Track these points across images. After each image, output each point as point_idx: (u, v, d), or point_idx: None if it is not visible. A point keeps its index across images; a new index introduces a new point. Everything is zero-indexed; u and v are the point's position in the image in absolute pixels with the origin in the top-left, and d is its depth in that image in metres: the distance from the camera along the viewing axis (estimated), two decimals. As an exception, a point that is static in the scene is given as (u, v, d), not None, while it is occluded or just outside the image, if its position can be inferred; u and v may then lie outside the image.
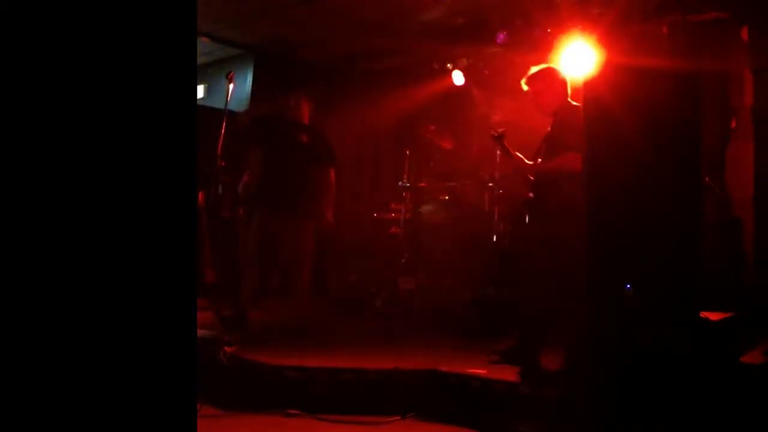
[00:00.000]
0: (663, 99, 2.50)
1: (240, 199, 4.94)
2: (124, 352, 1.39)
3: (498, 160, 6.04)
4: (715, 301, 2.56)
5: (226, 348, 3.60)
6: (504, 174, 6.05)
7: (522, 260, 4.05)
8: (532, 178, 3.92)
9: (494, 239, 5.85)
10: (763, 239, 3.09)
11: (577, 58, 4.89)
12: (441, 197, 6.41)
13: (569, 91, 3.91)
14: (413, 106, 7.02)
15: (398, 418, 3.16)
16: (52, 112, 1.38)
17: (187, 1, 1.52)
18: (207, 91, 8.05)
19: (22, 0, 1.37)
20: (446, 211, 6.29)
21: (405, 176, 6.56)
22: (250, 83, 7.66)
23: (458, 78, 6.91)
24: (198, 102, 6.71)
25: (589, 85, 2.73)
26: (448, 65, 7.00)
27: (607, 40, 2.68)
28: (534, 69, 3.99)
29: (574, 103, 3.74)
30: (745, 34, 3.29)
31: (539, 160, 3.87)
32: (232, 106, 4.97)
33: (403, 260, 6.24)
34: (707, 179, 2.52)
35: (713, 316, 2.51)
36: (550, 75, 3.92)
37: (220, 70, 7.33)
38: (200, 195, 5.54)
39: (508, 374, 3.22)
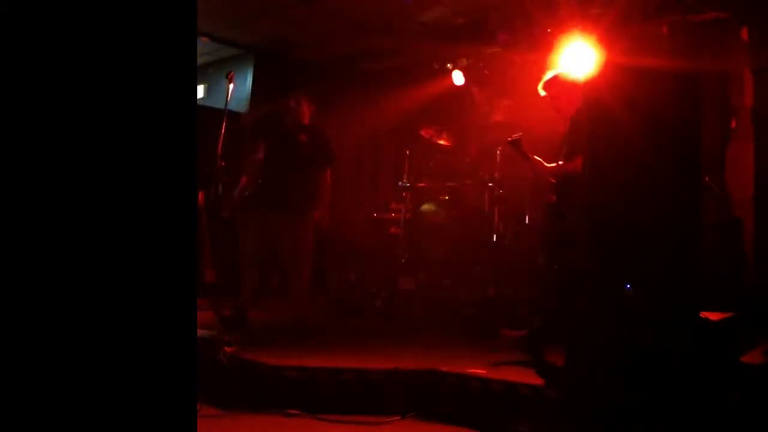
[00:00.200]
0: (663, 99, 2.50)
1: (236, 202, 4.95)
2: (124, 352, 1.39)
3: (498, 160, 6.04)
4: (715, 301, 2.56)
5: (226, 348, 3.60)
6: (504, 174, 6.05)
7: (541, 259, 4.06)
8: (553, 180, 3.91)
9: (494, 239, 5.85)
10: (763, 239, 3.09)
11: (577, 58, 4.89)
12: (441, 197, 6.41)
13: None
14: (413, 106, 7.02)
15: (398, 418, 3.16)
16: (53, 113, 1.38)
17: (187, 1, 1.52)
18: (207, 91, 8.05)
19: (22, 0, 1.37)
20: (446, 211, 6.29)
21: (405, 176, 6.56)
22: (250, 83, 7.66)
23: (458, 78, 6.92)
24: (198, 102, 6.72)
25: (589, 85, 2.74)
26: (448, 65, 7.00)
27: (607, 40, 2.68)
28: (548, 75, 4.01)
29: None
30: (745, 34, 3.29)
31: (560, 162, 3.85)
32: (232, 106, 4.97)
33: (403, 260, 6.24)
34: (707, 179, 2.52)
35: (713, 316, 2.51)
36: (563, 80, 3.94)
37: (220, 70, 7.33)
38: (200, 195, 5.55)
39: (508, 374, 3.22)
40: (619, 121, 2.55)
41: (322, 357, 3.65)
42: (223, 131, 4.48)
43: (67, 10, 1.40)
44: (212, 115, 4.77)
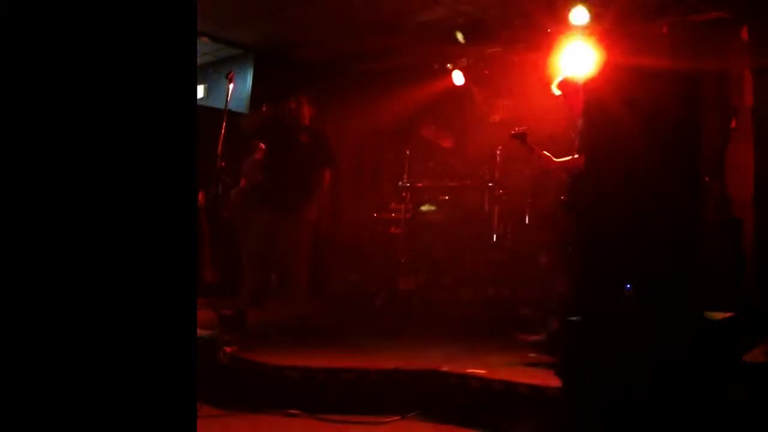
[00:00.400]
0: (663, 99, 2.50)
1: (235, 203, 4.95)
2: (124, 352, 1.39)
3: (498, 160, 6.05)
4: (715, 301, 2.56)
5: (226, 348, 3.60)
6: (504, 174, 6.06)
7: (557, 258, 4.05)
8: (564, 176, 3.90)
9: (494, 239, 5.85)
10: (763, 239, 3.09)
11: (577, 58, 4.89)
12: (441, 197, 6.41)
13: None
14: (413, 106, 7.02)
15: (398, 418, 3.16)
16: (52, 113, 1.38)
17: (187, 1, 1.52)
18: (207, 91, 8.05)
19: (22, 0, 1.37)
20: (446, 211, 6.29)
21: (405, 176, 6.56)
22: (250, 83, 7.66)
23: (458, 78, 6.92)
24: (198, 102, 6.72)
25: (589, 85, 2.74)
26: (448, 65, 7.00)
27: (607, 40, 2.68)
28: (561, 75, 4.04)
29: None
30: (745, 34, 3.29)
31: (575, 156, 3.83)
32: (232, 106, 4.97)
33: (403, 260, 6.24)
34: (707, 179, 2.52)
35: (713, 316, 2.51)
36: (573, 81, 3.95)
37: (220, 70, 7.33)
38: (200, 195, 5.56)
39: (508, 374, 3.22)
40: (619, 121, 2.55)
41: (322, 357, 3.65)
42: (223, 131, 4.49)
43: (67, 10, 1.40)
44: (212, 115, 4.77)
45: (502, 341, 4.33)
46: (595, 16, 5.56)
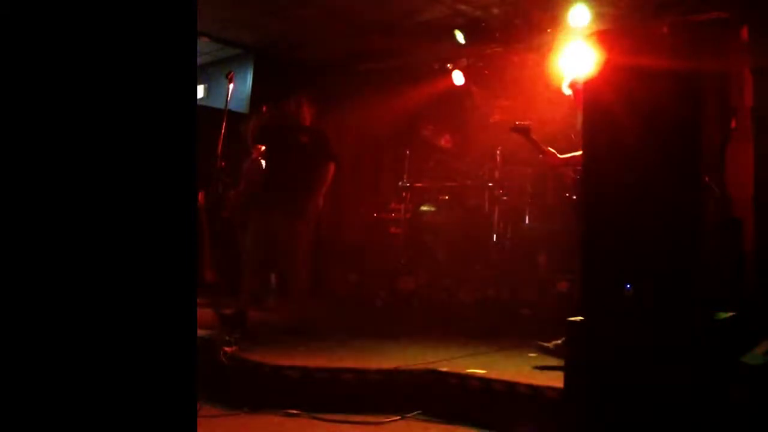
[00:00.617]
0: (663, 99, 2.49)
1: (235, 204, 4.95)
2: (124, 352, 1.39)
3: (498, 160, 6.05)
4: (715, 301, 2.55)
5: (226, 348, 3.60)
6: (504, 174, 6.06)
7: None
8: (571, 173, 3.89)
9: (494, 239, 5.85)
10: (763, 239, 3.09)
11: (577, 58, 4.89)
12: (441, 197, 6.42)
13: None
14: (413, 106, 7.03)
15: (398, 418, 3.16)
16: (52, 113, 1.38)
17: (187, 1, 1.52)
18: (207, 91, 8.06)
19: (22, 0, 1.37)
20: (446, 211, 6.30)
21: (405, 176, 6.57)
22: (250, 83, 7.67)
23: (458, 78, 6.92)
24: (198, 102, 6.73)
25: (589, 85, 2.73)
26: (448, 65, 7.00)
27: (607, 40, 2.67)
28: (571, 76, 4.02)
29: None
30: (745, 34, 3.28)
31: (581, 152, 3.82)
32: (232, 106, 4.97)
33: (403, 260, 6.24)
34: (707, 179, 2.52)
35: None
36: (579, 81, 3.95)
37: (220, 70, 7.34)
38: (200, 195, 5.57)
39: (508, 374, 3.23)
40: (619, 121, 2.55)
41: (322, 357, 3.65)
42: (223, 131, 4.49)
43: (67, 10, 1.40)
44: (212, 115, 4.77)
45: (503, 342, 4.33)
46: (595, 16, 5.57)
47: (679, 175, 2.46)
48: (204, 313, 4.10)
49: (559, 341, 3.66)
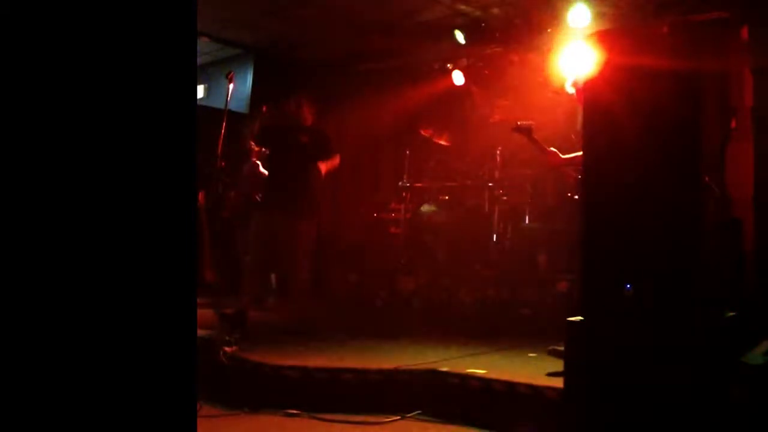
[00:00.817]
0: (663, 99, 2.49)
1: (231, 204, 4.96)
2: (124, 351, 1.39)
3: (498, 160, 6.04)
4: (715, 301, 2.55)
5: (226, 348, 3.60)
6: (504, 174, 6.05)
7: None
8: (574, 174, 3.87)
9: (494, 239, 5.85)
10: (763, 239, 3.09)
11: (577, 58, 4.89)
12: (441, 197, 6.42)
13: None
14: (413, 106, 7.03)
15: (398, 418, 3.16)
16: (52, 112, 1.38)
17: (187, 1, 1.52)
18: (207, 91, 8.06)
19: (22, 0, 1.37)
20: (446, 211, 6.29)
21: (405, 176, 6.56)
22: (250, 83, 7.67)
23: (458, 78, 6.92)
24: (198, 102, 6.73)
25: (589, 85, 2.73)
26: (448, 65, 7.00)
27: (607, 40, 2.67)
28: (575, 75, 4.02)
29: None
30: (745, 34, 3.28)
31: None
32: (232, 106, 4.97)
33: (403, 260, 6.24)
34: (707, 179, 2.51)
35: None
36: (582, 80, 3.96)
37: (220, 70, 7.34)
38: (200, 195, 5.57)
39: (508, 374, 3.23)
40: (619, 121, 2.55)
41: (322, 357, 3.65)
42: (223, 131, 4.49)
43: (67, 10, 1.40)
44: (212, 115, 4.78)
45: (503, 342, 4.33)
46: (595, 16, 5.57)
47: (679, 175, 2.46)
48: (204, 313, 4.10)
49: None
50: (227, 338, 3.71)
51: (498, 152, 6.04)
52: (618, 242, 2.54)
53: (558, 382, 2.76)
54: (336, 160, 4.73)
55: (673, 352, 2.35)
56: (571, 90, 4.04)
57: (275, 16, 6.57)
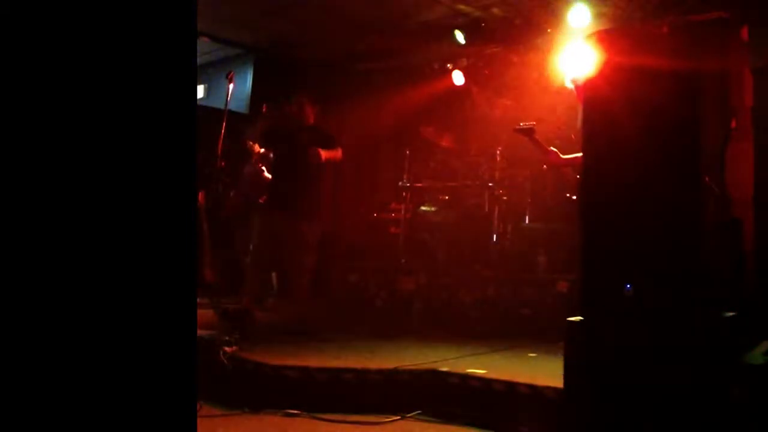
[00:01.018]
0: (663, 99, 2.49)
1: (231, 204, 4.96)
2: (124, 351, 1.39)
3: (498, 160, 6.04)
4: (715, 301, 2.55)
5: (226, 348, 3.60)
6: (504, 174, 6.05)
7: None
8: (575, 174, 3.87)
9: (494, 239, 5.85)
10: (763, 239, 3.09)
11: (577, 58, 4.89)
12: (441, 197, 6.41)
13: None
14: (413, 106, 7.03)
15: (398, 418, 3.16)
16: (52, 112, 1.38)
17: (187, 1, 1.52)
18: (207, 91, 8.06)
19: (22, 0, 1.37)
20: (446, 211, 6.29)
21: (405, 176, 6.56)
22: (250, 83, 7.67)
23: (458, 78, 6.92)
24: (198, 102, 6.73)
25: (589, 85, 2.73)
26: (448, 65, 7.00)
27: (607, 40, 2.67)
28: (575, 72, 4.02)
29: None
30: (745, 34, 3.28)
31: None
32: (232, 106, 4.97)
33: (403, 260, 6.24)
34: (707, 179, 2.51)
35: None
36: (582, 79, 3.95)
37: (220, 70, 7.34)
38: (200, 195, 5.57)
39: (508, 374, 3.23)
40: (619, 121, 2.55)
41: (322, 357, 3.65)
42: (223, 131, 4.49)
43: (67, 9, 1.40)
44: (212, 115, 4.78)
45: (503, 342, 4.33)
46: (595, 16, 5.57)
47: (679, 175, 2.46)
48: (204, 313, 4.10)
49: None
50: (227, 338, 3.71)
51: (498, 152, 6.04)
52: (618, 242, 2.54)
53: (556, 381, 2.76)
54: (338, 153, 4.71)
55: (673, 352, 2.35)
56: (570, 85, 4.04)
57: (275, 16, 6.58)
